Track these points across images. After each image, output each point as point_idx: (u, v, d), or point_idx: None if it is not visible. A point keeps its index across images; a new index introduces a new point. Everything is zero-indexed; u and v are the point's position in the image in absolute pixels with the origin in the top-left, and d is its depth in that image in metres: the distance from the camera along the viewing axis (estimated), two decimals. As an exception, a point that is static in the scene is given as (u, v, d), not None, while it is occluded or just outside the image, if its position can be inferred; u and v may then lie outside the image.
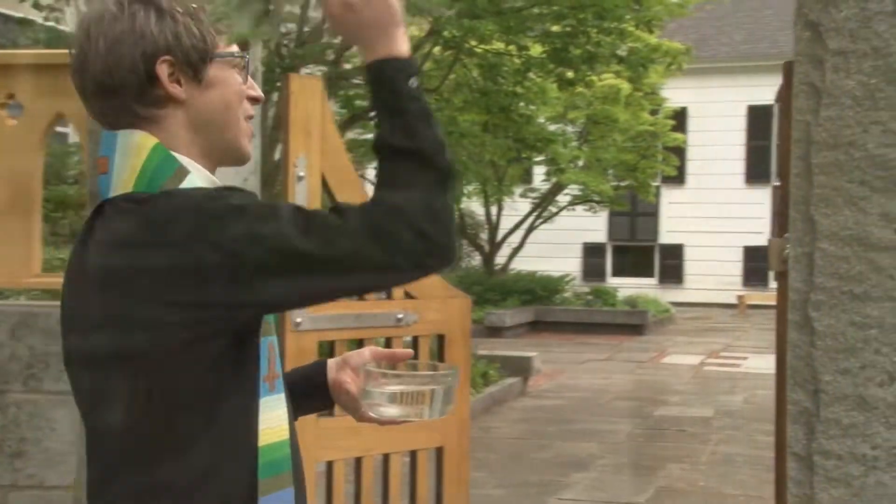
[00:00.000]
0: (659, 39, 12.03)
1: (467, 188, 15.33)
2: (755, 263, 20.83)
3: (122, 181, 1.55)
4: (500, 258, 17.56)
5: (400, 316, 3.85)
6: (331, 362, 1.87)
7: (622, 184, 16.94)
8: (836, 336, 2.91)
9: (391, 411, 1.70)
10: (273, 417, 1.59)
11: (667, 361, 13.31)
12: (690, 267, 21.12)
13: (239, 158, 1.67)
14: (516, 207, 17.49)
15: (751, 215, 20.76)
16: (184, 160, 1.57)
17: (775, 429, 3.66)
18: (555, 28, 10.27)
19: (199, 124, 1.60)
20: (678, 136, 16.87)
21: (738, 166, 21.13)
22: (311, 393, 1.84)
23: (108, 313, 1.49)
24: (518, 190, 17.31)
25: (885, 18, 2.86)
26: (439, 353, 3.97)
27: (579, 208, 17.40)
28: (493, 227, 17.48)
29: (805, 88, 2.96)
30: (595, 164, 15.88)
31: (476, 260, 19.05)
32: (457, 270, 16.53)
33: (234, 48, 1.65)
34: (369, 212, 1.46)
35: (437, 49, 10.87)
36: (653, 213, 21.11)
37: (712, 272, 20.69)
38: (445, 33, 9.81)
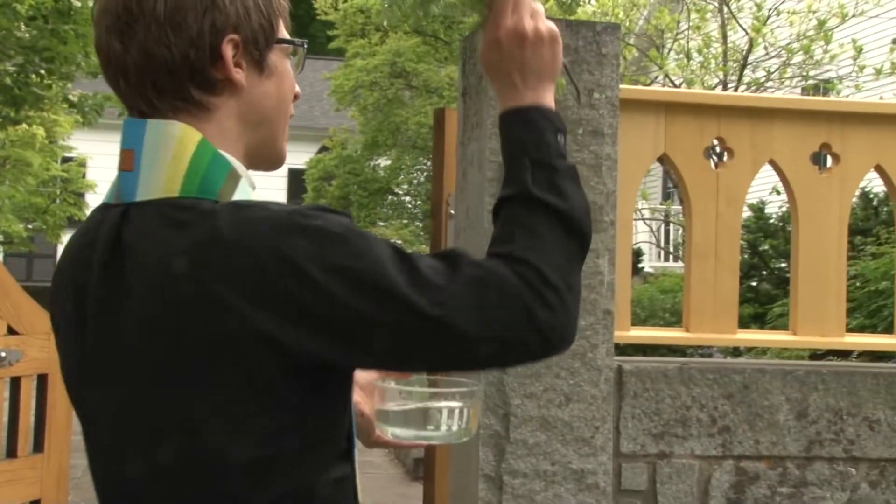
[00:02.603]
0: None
1: None
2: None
3: (161, 182, 1.11)
4: None
5: (3, 354, 2.92)
6: None
7: (31, 225, 15.43)
8: (524, 362, 2.80)
9: (409, 433, 1.30)
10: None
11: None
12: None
13: (276, 162, 1.27)
14: None
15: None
16: (233, 161, 1.16)
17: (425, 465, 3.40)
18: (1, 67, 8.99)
19: (249, 119, 1.19)
20: (91, 181, 15.84)
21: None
22: None
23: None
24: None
25: (563, 74, 2.84)
26: (40, 395, 3.09)
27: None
28: None
29: (498, 131, 2.82)
30: (5, 205, 14.27)
31: None
32: None
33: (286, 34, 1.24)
34: (508, 271, 1.09)
35: None
36: (51, 255, 19.58)
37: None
38: None
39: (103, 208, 1.17)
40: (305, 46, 1.25)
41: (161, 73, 1.13)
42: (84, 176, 16.73)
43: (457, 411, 1.28)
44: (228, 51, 1.14)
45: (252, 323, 1.02)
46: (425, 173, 16.41)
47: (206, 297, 1.03)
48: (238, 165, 1.16)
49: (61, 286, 1.20)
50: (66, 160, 15.88)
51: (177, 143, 1.12)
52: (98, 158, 19.17)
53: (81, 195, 16.58)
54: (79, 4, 9.11)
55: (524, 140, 1.21)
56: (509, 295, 1.07)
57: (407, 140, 15.71)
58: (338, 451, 1.13)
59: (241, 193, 1.13)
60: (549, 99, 1.25)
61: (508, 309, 1.07)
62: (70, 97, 9.94)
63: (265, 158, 1.24)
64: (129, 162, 1.14)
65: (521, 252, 1.11)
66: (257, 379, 1.04)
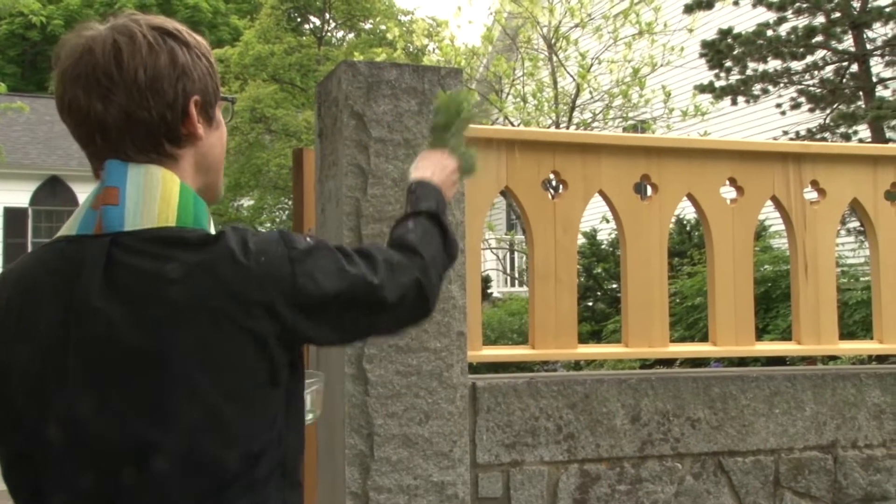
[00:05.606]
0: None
1: None
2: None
3: (154, 215, 1.22)
4: None
5: None
6: None
7: None
8: (385, 384, 2.77)
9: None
10: None
11: None
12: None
13: (217, 199, 1.42)
14: None
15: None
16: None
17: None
18: None
19: (202, 165, 1.34)
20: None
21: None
22: None
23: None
24: None
25: (412, 116, 2.84)
26: None
27: None
28: None
29: (353, 169, 2.80)
30: None
31: None
32: None
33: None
34: (408, 260, 1.47)
35: None
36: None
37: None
38: None
39: (76, 240, 1.22)
40: (234, 101, 1.43)
41: (140, 131, 1.25)
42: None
43: (316, 394, 1.61)
44: (194, 110, 1.28)
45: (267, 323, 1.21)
46: (287, 212, 16.18)
47: (206, 304, 1.17)
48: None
49: (25, 313, 1.21)
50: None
51: (162, 184, 1.24)
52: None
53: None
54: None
55: (430, 192, 1.70)
56: (407, 273, 1.43)
57: (268, 181, 15.48)
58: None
59: (212, 226, 1.28)
60: (445, 190, 1.78)
61: (408, 279, 1.42)
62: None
63: (210, 196, 1.36)
64: (114, 197, 1.22)
65: (420, 248, 1.50)
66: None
